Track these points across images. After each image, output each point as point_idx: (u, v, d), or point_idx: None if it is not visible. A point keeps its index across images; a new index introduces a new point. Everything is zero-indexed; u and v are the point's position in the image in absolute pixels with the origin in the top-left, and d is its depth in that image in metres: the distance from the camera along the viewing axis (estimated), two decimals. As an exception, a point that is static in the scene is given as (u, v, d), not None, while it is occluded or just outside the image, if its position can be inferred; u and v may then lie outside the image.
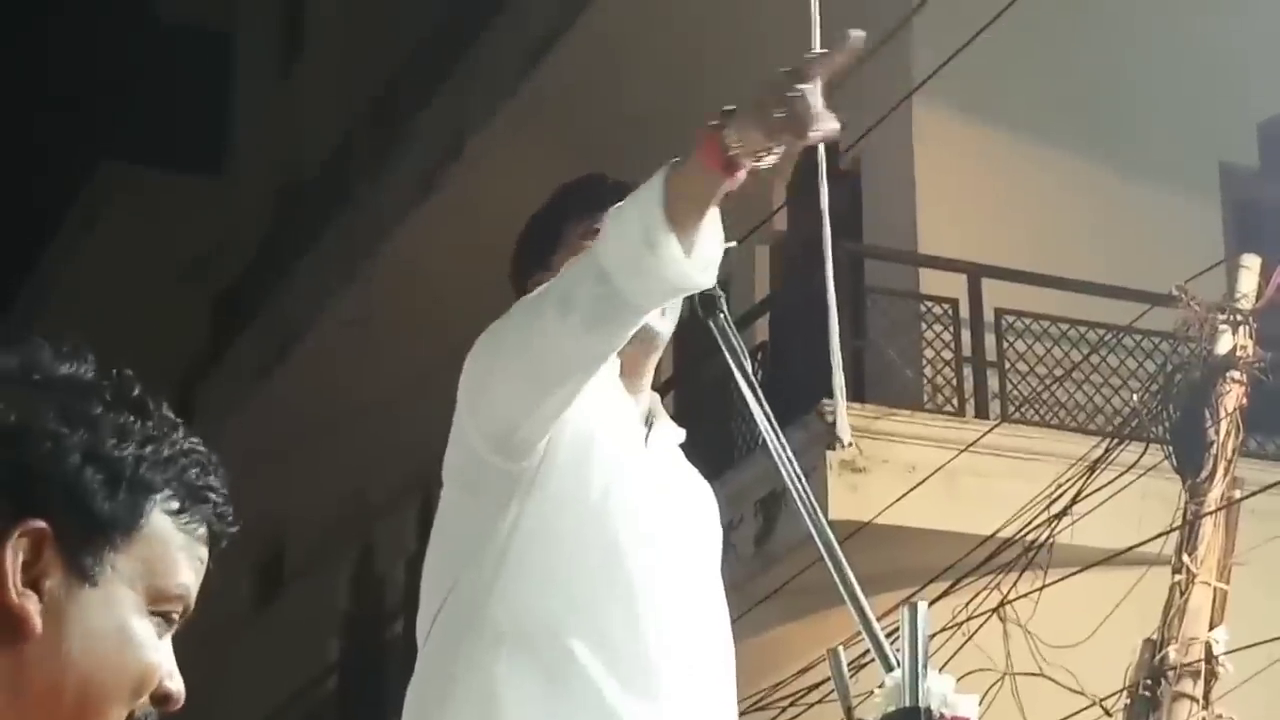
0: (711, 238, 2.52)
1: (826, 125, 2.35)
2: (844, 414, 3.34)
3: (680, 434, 2.94)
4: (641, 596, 2.73)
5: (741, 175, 2.43)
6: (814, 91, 2.33)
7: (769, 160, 2.41)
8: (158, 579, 1.48)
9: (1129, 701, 7.11)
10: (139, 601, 1.47)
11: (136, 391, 1.51)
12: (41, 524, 1.42)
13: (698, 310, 2.80)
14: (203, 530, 1.51)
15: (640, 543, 2.76)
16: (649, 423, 2.90)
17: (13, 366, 1.48)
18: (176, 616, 1.50)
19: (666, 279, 2.51)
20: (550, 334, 2.61)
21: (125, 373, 1.52)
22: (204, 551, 1.52)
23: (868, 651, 2.47)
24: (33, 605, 1.42)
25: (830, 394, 3.17)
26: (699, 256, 2.50)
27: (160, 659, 1.48)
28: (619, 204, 2.55)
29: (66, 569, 1.44)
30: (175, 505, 1.49)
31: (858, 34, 2.34)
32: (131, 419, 1.49)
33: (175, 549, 1.49)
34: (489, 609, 2.71)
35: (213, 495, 1.52)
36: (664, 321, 2.84)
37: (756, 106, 2.36)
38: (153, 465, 1.48)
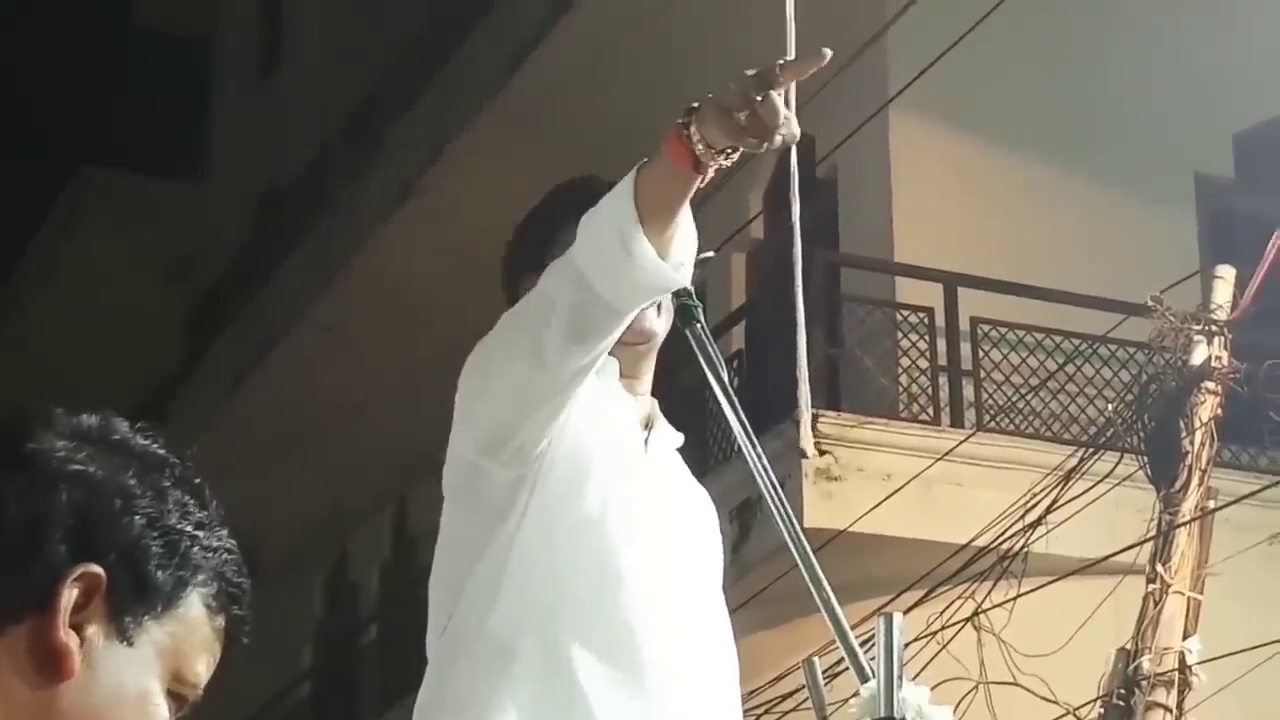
0: (685, 236, 2.53)
1: (789, 130, 2.35)
2: (808, 427, 3.35)
3: (679, 438, 2.94)
4: (640, 606, 2.72)
5: (709, 173, 2.44)
6: (779, 96, 2.34)
7: (731, 160, 2.42)
8: (181, 660, 1.51)
9: (1102, 711, 7.12)
10: (161, 675, 1.50)
11: (198, 479, 1.56)
12: (99, 570, 1.45)
13: (675, 319, 2.80)
14: (224, 628, 1.55)
15: (639, 553, 2.75)
16: (648, 426, 2.90)
17: (94, 425, 1.53)
18: (185, 704, 1.53)
19: (643, 281, 2.51)
20: (536, 347, 2.61)
21: (189, 457, 1.57)
22: (218, 650, 1.55)
23: (842, 660, 2.47)
24: (75, 646, 1.44)
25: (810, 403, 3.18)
26: (674, 256, 2.51)
27: None
28: (592, 209, 2.55)
29: (109, 622, 1.47)
30: (211, 595, 1.53)
31: (826, 51, 2.35)
32: (191, 500, 1.53)
33: (201, 639, 1.53)
34: (489, 621, 2.71)
35: (243, 597, 1.56)
36: (659, 321, 2.84)
37: (720, 108, 2.37)
38: (203, 550, 1.53)
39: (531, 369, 2.64)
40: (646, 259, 2.48)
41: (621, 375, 2.86)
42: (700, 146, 2.40)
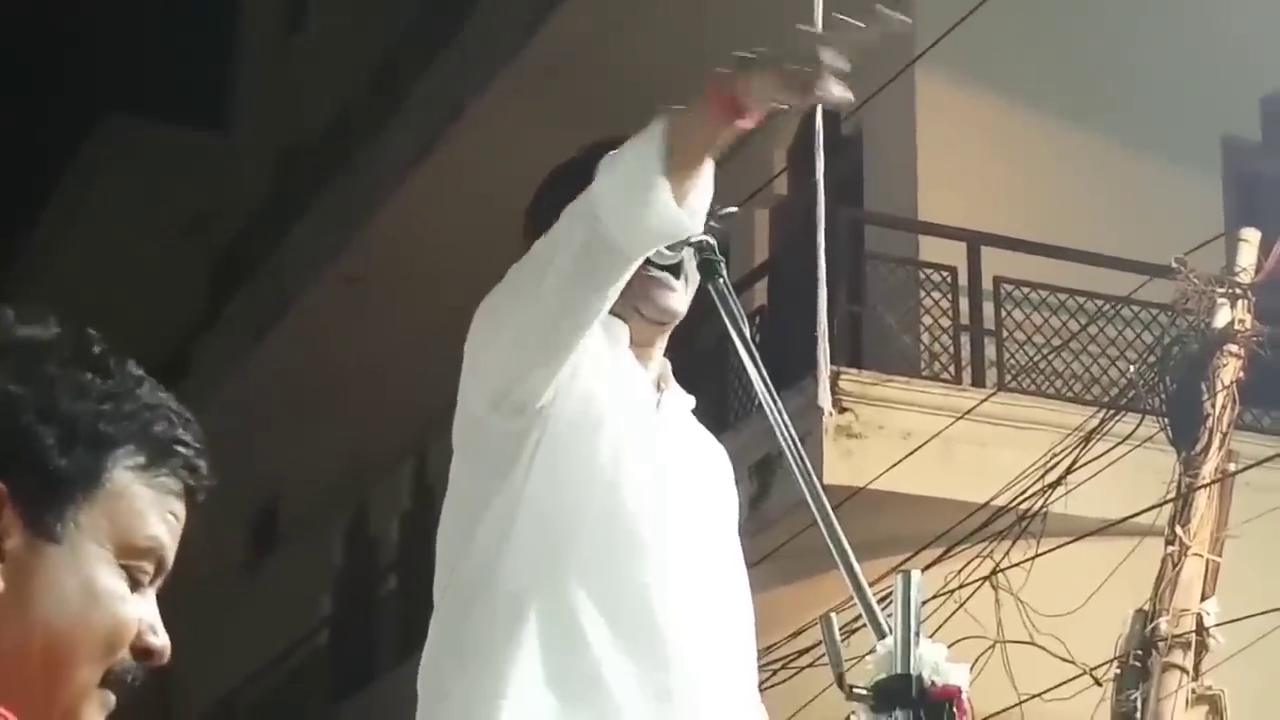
0: (704, 188, 2.53)
1: (840, 93, 2.35)
2: (827, 384, 3.33)
3: (690, 400, 2.94)
4: (650, 559, 2.72)
5: (748, 124, 2.42)
6: (839, 58, 2.33)
7: (775, 111, 2.41)
8: (125, 533, 1.46)
9: (1119, 671, 7.13)
10: (108, 557, 1.46)
11: (97, 349, 1.50)
12: None
13: (697, 273, 2.80)
14: (175, 484, 1.50)
15: (649, 507, 2.74)
16: (660, 388, 2.89)
17: None
18: (150, 569, 1.48)
19: (656, 226, 2.51)
20: (540, 286, 2.61)
21: (86, 331, 1.51)
22: (178, 505, 1.51)
23: (860, 617, 2.47)
24: None
25: (829, 360, 3.18)
26: (690, 204, 2.50)
27: (135, 613, 1.47)
28: (616, 150, 2.54)
29: (28, 528, 1.43)
30: (141, 460, 1.48)
31: (904, 19, 2.34)
32: (89, 376, 1.48)
33: (143, 503, 1.48)
34: (497, 574, 2.70)
35: (182, 449, 1.51)
36: (683, 299, 2.83)
37: (777, 60, 2.35)
38: (112, 420, 1.47)
39: (534, 311, 2.63)
40: (662, 202, 2.47)
41: (634, 344, 2.85)
42: (747, 97, 2.38)
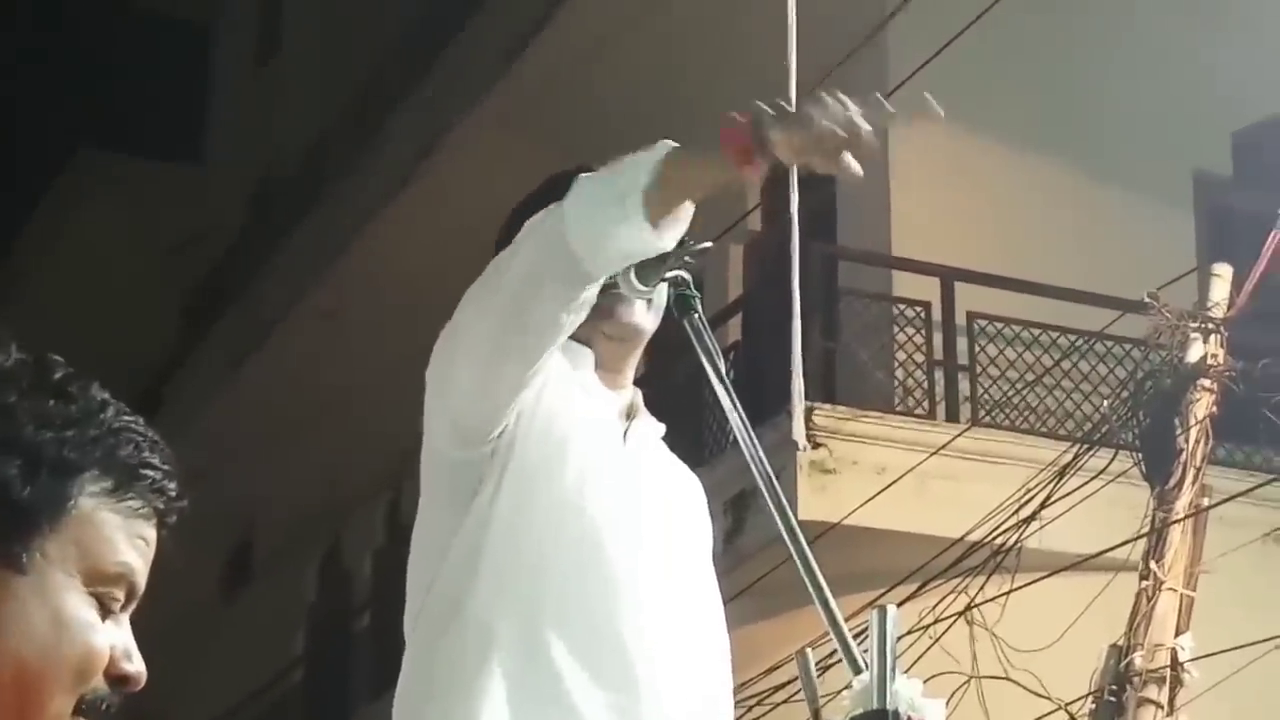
0: (679, 226, 2.52)
1: (858, 169, 2.33)
2: (801, 419, 3.35)
3: (661, 428, 2.93)
4: (621, 586, 2.71)
5: (753, 175, 2.39)
6: (871, 134, 2.31)
7: (792, 164, 2.39)
8: (93, 560, 1.45)
9: (1094, 706, 7.13)
10: (77, 585, 1.44)
11: (58, 374, 1.48)
12: None
13: (672, 309, 2.80)
14: (143, 507, 1.48)
15: (619, 536, 2.74)
16: (630, 416, 2.89)
17: None
18: (120, 595, 1.47)
19: (625, 245, 2.50)
20: (498, 295, 2.60)
21: (48, 357, 1.49)
22: (148, 530, 1.49)
23: (835, 652, 2.47)
24: None
25: (803, 396, 3.18)
26: (661, 231, 2.49)
27: (107, 640, 1.46)
28: (597, 171, 2.53)
29: None
30: (108, 484, 1.47)
31: (939, 111, 2.32)
32: (51, 403, 1.46)
33: (111, 529, 1.46)
34: (466, 604, 2.70)
35: (149, 472, 1.49)
36: (646, 317, 2.82)
37: (811, 121, 2.32)
38: (76, 447, 1.45)
39: (491, 328, 2.61)
40: (634, 221, 2.45)
41: (600, 368, 2.84)
42: (767, 148, 2.34)
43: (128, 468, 1.48)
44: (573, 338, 2.74)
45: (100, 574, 1.46)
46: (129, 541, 1.47)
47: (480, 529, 2.72)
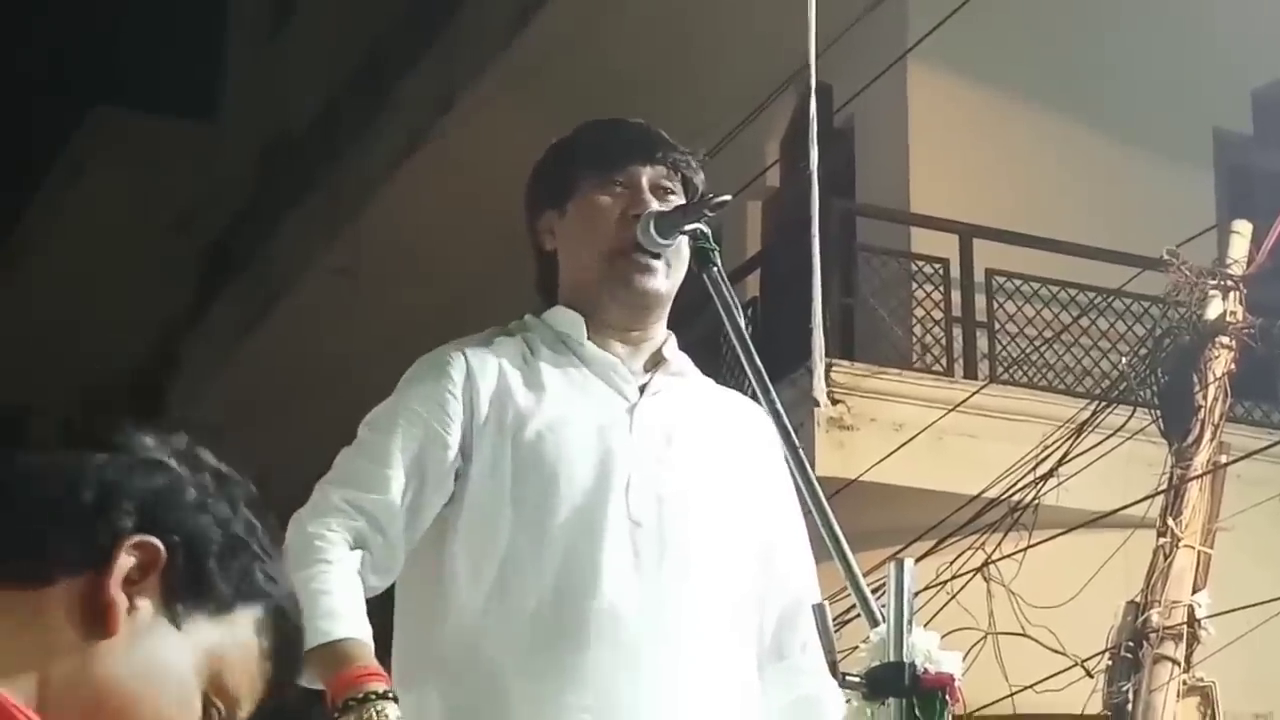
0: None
1: None
2: (821, 376, 3.34)
3: (691, 375, 2.91)
4: (580, 553, 2.73)
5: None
6: None
7: None
8: (226, 668, 1.52)
9: (1111, 663, 7.13)
10: (201, 681, 1.51)
11: (267, 514, 1.61)
12: (158, 544, 1.49)
13: (691, 262, 2.79)
14: (271, 660, 1.56)
15: (583, 526, 2.74)
16: (655, 365, 2.85)
17: (183, 443, 1.59)
18: (221, 713, 1.53)
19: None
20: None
21: (236, 477, 1.61)
22: (261, 684, 1.56)
23: (853, 606, 2.47)
24: (122, 605, 1.47)
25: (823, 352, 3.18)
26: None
27: None
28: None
29: (161, 602, 1.49)
30: (266, 619, 1.55)
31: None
32: (260, 525, 1.58)
33: (249, 653, 1.54)
34: (430, 639, 2.77)
35: (296, 639, 1.58)
36: (661, 279, 2.81)
37: None
38: (265, 573, 1.56)
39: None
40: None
41: (609, 329, 2.83)
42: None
43: (285, 619, 1.57)
44: (578, 301, 2.75)
45: (221, 685, 1.53)
46: (250, 680, 1.55)
47: (438, 566, 2.80)
